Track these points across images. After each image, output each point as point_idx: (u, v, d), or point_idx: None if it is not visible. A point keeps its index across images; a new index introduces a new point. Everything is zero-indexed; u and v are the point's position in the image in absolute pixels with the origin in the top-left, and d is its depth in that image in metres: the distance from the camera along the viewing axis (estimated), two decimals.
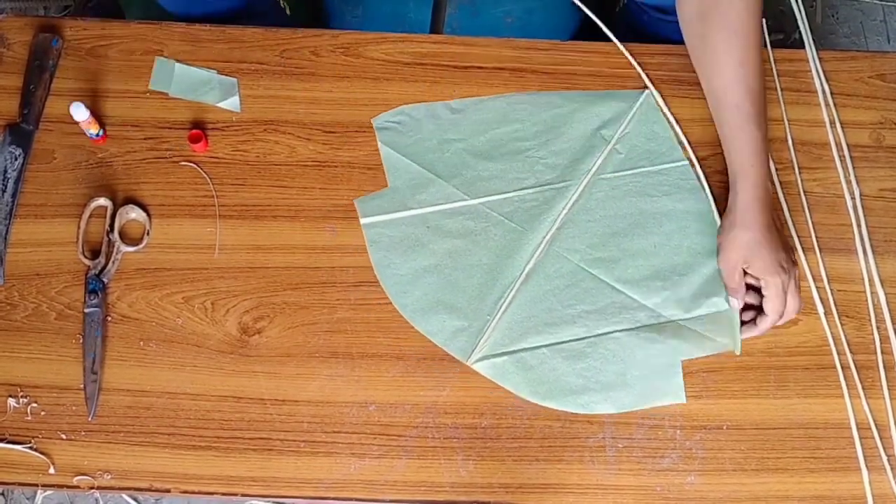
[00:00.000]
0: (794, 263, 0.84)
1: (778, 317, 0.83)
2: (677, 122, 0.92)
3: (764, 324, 0.83)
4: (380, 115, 0.91)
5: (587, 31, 0.91)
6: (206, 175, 0.89)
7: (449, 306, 0.85)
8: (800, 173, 0.92)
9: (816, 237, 0.89)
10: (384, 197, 0.89)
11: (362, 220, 0.87)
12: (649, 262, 0.87)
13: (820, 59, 0.96)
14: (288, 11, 1.12)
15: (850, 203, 0.91)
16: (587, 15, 0.98)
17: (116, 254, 0.85)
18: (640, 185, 0.90)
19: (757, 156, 0.83)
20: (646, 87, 0.93)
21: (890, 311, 0.87)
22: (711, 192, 0.89)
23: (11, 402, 0.81)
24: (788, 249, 0.85)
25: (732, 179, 0.85)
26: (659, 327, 0.85)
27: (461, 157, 0.90)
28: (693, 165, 0.90)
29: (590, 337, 0.84)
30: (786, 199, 0.90)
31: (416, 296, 0.85)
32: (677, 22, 0.94)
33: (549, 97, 0.92)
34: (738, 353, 0.84)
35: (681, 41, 0.94)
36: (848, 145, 0.93)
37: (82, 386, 0.81)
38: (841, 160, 0.92)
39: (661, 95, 0.93)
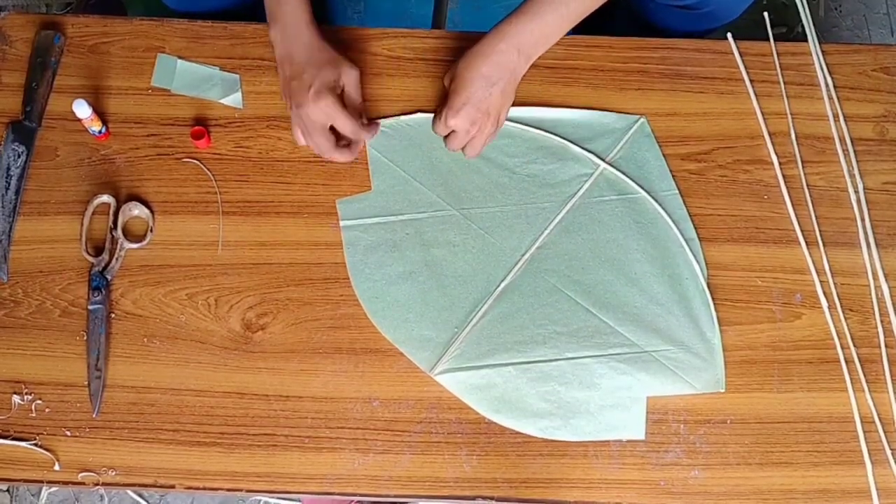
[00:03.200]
0: (489, 130, 0.85)
1: (453, 149, 0.86)
2: (664, 156, 0.91)
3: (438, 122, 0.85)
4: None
5: (589, 26, 0.90)
6: (208, 172, 0.89)
7: (418, 315, 0.85)
8: (803, 167, 0.91)
9: (820, 231, 0.89)
10: (367, 200, 0.88)
11: (342, 223, 0.87)
12: (628, 289, 0.86)
13: (823, 52, 0.96)
14: None
15: (853, 196, 0.91)
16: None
17: (120, 251, 0.85)
18: (625, 211, 0.89)
19: (542, 35, 0.82)
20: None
21: (894, 304, 0.87)
22: (694, 225, 0.89)
23: (16, 398, 0.81)
24: (495, 119, 0.84)
25: (514, 20, 0.82)
26: (630, 358, 0.84)
27: (448, 166, 0.90)
28: (682, 196, 0.90)
29: (558, 360, 0.83)
30: (789, 193, 0.90)
31: (386, 302, 0.85)
32: (683, 9, 0.93)
33: (543, 114, 0.91)
34: (721, 389, 0.83)
35: (686, 32, 0.93)
36: (851, 139, 0.93)
37: (86, 383, 0.82)
38: (844, 154, 0.92)
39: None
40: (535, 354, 0.84)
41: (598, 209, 0.89)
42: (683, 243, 0.87)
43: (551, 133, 0.91)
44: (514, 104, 0.88)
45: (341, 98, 0.84)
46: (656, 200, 0.89)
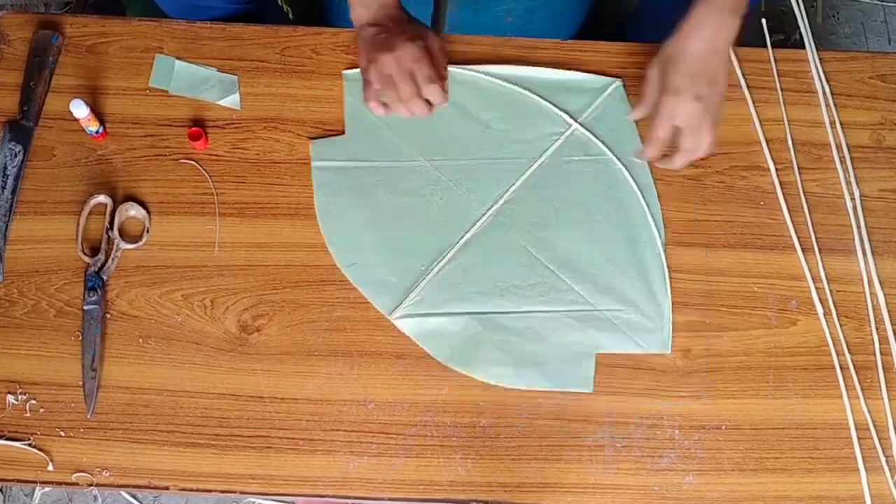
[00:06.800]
0: (716, 101, 0.82)
1: (689, 151, 0.83)
2: (636, 122, 0.92)
3: (677, 160, 0.85)
4: (354, 70, 0.91)
5: (589, 31, 0.91)
6: (205, 172, 0.89)
7: (383, 260, 0.86)
8: (800, 174, 0.92)
9: (816, 237, 0.89)
10: (340, 143, 0.89)
11: (314, 163, 0.88)
12: (588, 248, 0.87)
13: (820, 59, 0.96)
14: (290, 15, 1.12)
15: (849, 204, 0.91)
16: (589, 15, 0.98)
17: (116, 251, 0.85)
18: (592, 173, 0.90)
19: None
20: (617, 76, 0.93)
21: (889, 311, 0.87)
22: (656, 187, 0.90)
23: (10, 398, 0.81)
24: (717, 86, 0.82)
25: None
26: (582, 315, 0.85)
27: (424, 118, 0.90)
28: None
29: (514, 312, 0.85)
30: (786, 200, 0.90)
31: (351, 245, 0.86)
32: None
33: (520, 71, 0.92)
34: (668, 351, 0.84)
35: None
36: (848, 146, 0.93)
37: (81, 383, 0.81)
38: (841, 161, 0.92)
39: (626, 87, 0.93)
40: (493, 306, 0.85)
41: (566, 168, 0.90)
42: (645, 208, 0.89)
43: (527, 90, 0.92)
44: (494, 62, 0.91)
45: None
46: (624, 165, 0.90)
